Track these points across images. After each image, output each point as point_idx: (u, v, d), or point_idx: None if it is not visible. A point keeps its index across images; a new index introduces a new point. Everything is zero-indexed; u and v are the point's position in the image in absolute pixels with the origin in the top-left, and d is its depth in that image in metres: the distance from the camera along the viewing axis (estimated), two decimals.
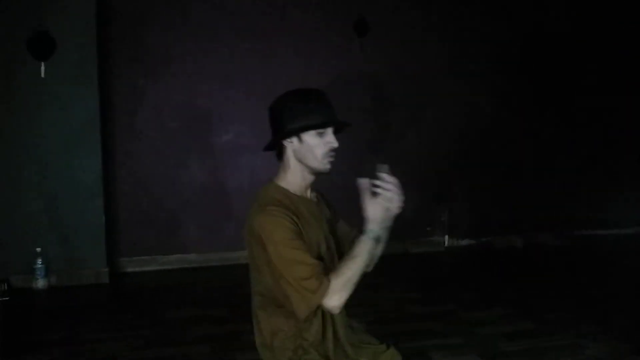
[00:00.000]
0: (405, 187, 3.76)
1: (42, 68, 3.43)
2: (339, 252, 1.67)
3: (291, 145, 1.61)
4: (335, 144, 1.60)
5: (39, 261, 3.45)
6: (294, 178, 1.64)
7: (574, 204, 4.77)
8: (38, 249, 3.46)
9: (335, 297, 1.46)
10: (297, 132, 1.58)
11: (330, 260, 1.61)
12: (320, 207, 1.71)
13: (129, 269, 3.81)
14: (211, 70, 3.87)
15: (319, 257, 1.56)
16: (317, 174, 1.62)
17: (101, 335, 2.68)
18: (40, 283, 3.47)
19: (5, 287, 3.42)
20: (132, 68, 3.76)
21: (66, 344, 2.58)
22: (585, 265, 4.14)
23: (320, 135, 1.59)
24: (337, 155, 1.63)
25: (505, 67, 4.51)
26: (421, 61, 4.32)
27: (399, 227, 3.57)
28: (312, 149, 1.59)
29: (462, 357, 2.39)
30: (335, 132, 1.61)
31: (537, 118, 4.62)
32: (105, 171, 3.65)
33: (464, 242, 4.53)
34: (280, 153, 1.65)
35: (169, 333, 2.72)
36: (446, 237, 4.52)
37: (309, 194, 1.69)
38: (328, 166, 1.61)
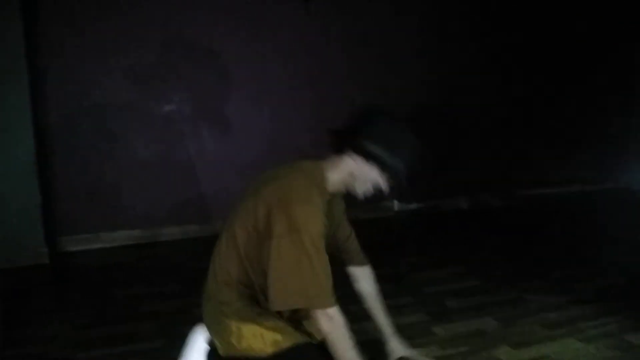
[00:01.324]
0: None
1: None
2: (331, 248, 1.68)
3: (358, 160, 1.58)
4: (386, 190, 1.62)
5: None
6: (336, 180, 1.62)
7: (517, 165, 4.92)
8: None
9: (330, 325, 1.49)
10: (379, 162, 1.56)
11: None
12: (339, 207, 1.79)
13: (72, 248, 3.65)
14: (148, 37, 3.68)
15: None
16: (349, 192, 1.65)
17: (42, 317, 2.56)
18: None
19: None
20: (60, 37, 3.52)
21: (3, 328, 2.45)
22: (528, 224, 4.30)
23: (382, 179, 1.59)
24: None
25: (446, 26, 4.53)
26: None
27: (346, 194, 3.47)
28: (369, 179, 1.59)
29: (411, 316, 2.43)
30: None
31: (481, 80, 4.69)
32: (38, 147, 3.45)
33: (413, 205, 4.60)
34: (340, 150, 1.61)
35: (115, 311, 2.63)
36: (395, 201, 4.57)
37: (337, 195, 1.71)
38: (361, 194, 1.64)
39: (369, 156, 1.57)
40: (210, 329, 1.67)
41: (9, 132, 3.32)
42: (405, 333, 2.21)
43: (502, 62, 4.75)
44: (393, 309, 2.48)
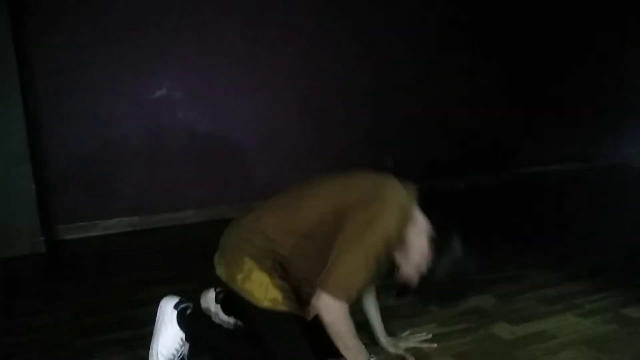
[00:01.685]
0: (352, 135, 3.77)
1: None
2: None
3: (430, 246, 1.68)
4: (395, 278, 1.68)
5: None
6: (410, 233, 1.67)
7: (513, 144, 4.93)
8: None
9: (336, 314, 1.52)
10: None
11: None
12: None
13: (68, 237, 3.64)
14: (138, 22, 3.63)
15: None
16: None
17: (40, 306, 2.55)
18: None
19: None
20: (50, 23, 3.46)
21: (3, 318, 2.45)
22: (525, 202, 4.31)
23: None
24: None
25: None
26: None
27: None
28: (425, 258, 1.64)
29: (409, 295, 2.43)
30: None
31: (475, 58, 4.66)
32: (30, 136, 3.41)
33: None
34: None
35: (114, 298, 2.62)
36: None
37: None
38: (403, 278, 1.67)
39: (438, 250, 1.65)
40: (222, 253, 1.70)
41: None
42: (404, 312, 2.23)
43: (496, 41, 4.72)
44: (390, 288, 2.50)
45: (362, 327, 2.11)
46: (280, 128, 4.12)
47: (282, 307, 1.58)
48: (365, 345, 1.96)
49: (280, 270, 1.62)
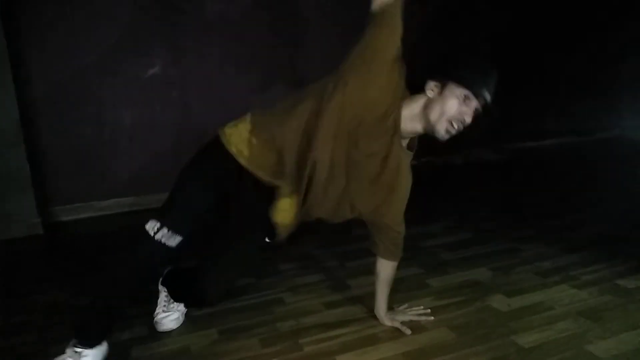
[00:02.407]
0: None
1: None
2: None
3: (431, 92, 1.57)
4: (467, 119, 1.56)
5: None
6: (410, 118, 1.61)
7: (510, 118, 4.89)
8: None
9: None
10: (449, 77, 1.55)
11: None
12: (399, 158, 1.69)
13: (64, 218, 3.64)
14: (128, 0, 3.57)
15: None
16: (429, 133, 1.59)
17: (39, 286, 2.56)
18: None
19: None
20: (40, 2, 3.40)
21: (5, 298, 2.46)
22: (521, 176, 4.32)
23: (461, 100, 1.54)
24: None
25: None
26: None
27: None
28: (444, 104, 1.54)
29: (405, 269, 2.44)
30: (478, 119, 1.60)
31: (476, 30, 4.60)
32: (23, 117, 3.38)
33: None
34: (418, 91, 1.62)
35: None
36: None
37: (404, 142, 1.69)
38: (443, 132, 1.56)
39: (447, 75, 1.56)
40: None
41: None
42: (400, 286, 2.24)
43: (494, 15, 4.66)
44: None
45: (359, 300, 2.13)
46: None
47: (242, 161, 1.62)
48: (362, 318, 1.99)
49: (271, 140, 1.62)
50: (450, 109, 1.54)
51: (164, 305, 2.02)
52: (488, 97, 1.56)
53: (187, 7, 3.68)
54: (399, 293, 2.18)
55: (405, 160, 1.73)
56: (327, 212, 1.73)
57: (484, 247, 2.71)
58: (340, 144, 1.57)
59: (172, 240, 1.61)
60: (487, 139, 4.88)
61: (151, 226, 1.60)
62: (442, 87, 1.57)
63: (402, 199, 1.83)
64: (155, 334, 1.97)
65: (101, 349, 1.67)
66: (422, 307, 2.05)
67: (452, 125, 1.56)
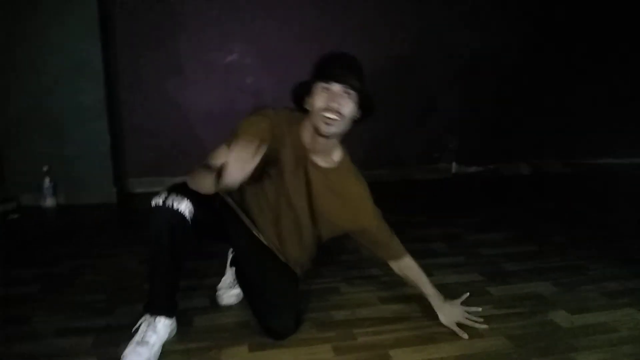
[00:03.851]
0: (413, 113, 3.67)
1: None
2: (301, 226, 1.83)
3: (306, 102, 1.68)
4: (336, 105, 1.62)
5: (47, 180, 3.47)
6: (306, 132, 1.72)
7: (583, 132, 4.69)
8: (45, 168, 3.47)
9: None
10: (307, 83, 1.66)
11: (274, 210, 1.81)
12: (323, 176, 1.78)
13: (138, 190, 3.83)
14: None
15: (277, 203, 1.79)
16: (320, 135, 1.67)
17: (111, 250, 2.73)
18: (49, 202, 3.51)
19: (15, 206, 3.48)
20: None
21: (76, 258, 2.64)
22: (591, 193, 4.14)
23: (322, 92, 1.63)
24: None
25: None
26: None
27: (405, 153, 3.54)
28: (312, 104, 1.65)
29: (463, 275, 2.42)
30: (365, 115, 1.72)
31: (546, 44, 4.45)
32: (108, 92, 3.58)
33: (472, 169, 4.51)
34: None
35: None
36: (454, 163, 4.49)
37: (320, 159, 1.77)
38: (323, 127, 1.65)
39: (303, 84, 1.68)
40: None
41: (80, 77, 3.47)
42: (458, 291, 2.21)
43: (560, 25, 4.48)
44: (446, 267, 2.50)
45: (415, 299, 2.12)
46: None
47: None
48: (418, 317, 1.99)
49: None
50: (317, 104, 1.64)
51: (229, 283, 2.10)
52: (345, 74, 1.63)
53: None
54: (458, 297, 2.15)
55: (330, 174, 1.80)
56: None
57: (548, 262, 2.62)
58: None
59: (183, 204, 1.62)
60: (557, 151, 4.70)
61: (157, 198, 1.65)
62: (310, 95, 1.67)
63: (361, 202, 1.88)
64: (216, 307, 2.06)
65: (170, 320, 1.75)
66: (480, 308, 2.01)
67: (327, 117, 1.63)
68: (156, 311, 1.72)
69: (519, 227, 3.16)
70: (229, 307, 2.06)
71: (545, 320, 2.01)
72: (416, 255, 2.61)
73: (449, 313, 1.94)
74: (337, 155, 1.83)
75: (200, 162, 1.70)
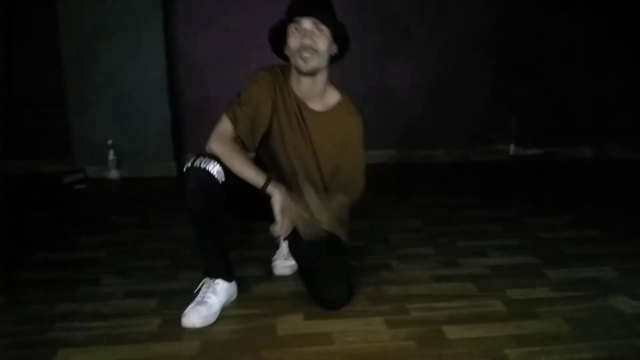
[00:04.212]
0: (471, 94, 3.57)
1: None
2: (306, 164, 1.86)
3: (285, 49, 1.78)
4: (312, 41, 1.68)
5: (111, 153, 3.65)
6: (294, 80, 1.81)
7: None
8: (109, 142, 3.64)
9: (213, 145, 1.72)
10: (280, 28, 1.74)
11: (287, 162, 1.86)
12: (319, 121, 1.84)
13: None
14: None
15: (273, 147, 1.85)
16: (303, 74, 1.75)
17: (170, 221, 2.85)
18: (113, 174, 3.69)
19: (82, 177, 3.67)
20: None
21: (138, 227, 2.78)
22: None
23: (294, 31, 1.70)
24: None
25: None
26: None
27: (461, 134, 3.46)
28: (289, 44, 1.72)
29: (520, 257, 2.37)
30: (342, 49, 1.79)
31: (611, 23, 4.22)
32: (169, 69, 3.70)
33: (531, 151, 4.37)
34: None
35: (235, 221, 2.83)
36: (512, 145, 4.37)
37: (315, 104, 1.83)
38: (301, 65, 1.71)
39: (274, 29, 1.77)
40: None
41: (143, 54, 3.60)
42: (514, 272, 2.19)
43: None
44: (502, 249, 2.46)
45: (469, 278, 2.09)
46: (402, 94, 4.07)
47: None
48: (472, 296, 1.97)
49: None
50: (292, 44, 1.71)
51: (284, 255, 2.15)
52: (312, 8, 1.69)
53: None
54: (515, 278, 2.12)
55: (326, 118, 1.85)
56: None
57: (611, 247, 2.52)
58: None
59: (212, 165, 1.66)
60: (624, 135, 4.47)
61: (187, 162, 1.71)
62: (288, 47, 1.75)
63: (351, 140, 1.90)
64: (271, 277, 2.12)
65: (229, 284, 1.83)
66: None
67: (303, 55, 1.70)
68: (214, 274, 1.79)
69: (580, 212, 3.05)
70: (284, 277, 2.12)
71: (605, 305, 1.95)
72: (470, 236, 2.61)
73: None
74: (333, 97, 1.88)
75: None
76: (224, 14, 3.75)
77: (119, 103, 3.66)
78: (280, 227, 1.69)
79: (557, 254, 2.44)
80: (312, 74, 1.76)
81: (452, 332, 1.72)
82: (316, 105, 1.85)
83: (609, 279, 2.18)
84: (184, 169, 1.70)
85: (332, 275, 1.83)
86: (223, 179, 1.68)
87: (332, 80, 1.91)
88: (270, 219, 1.77)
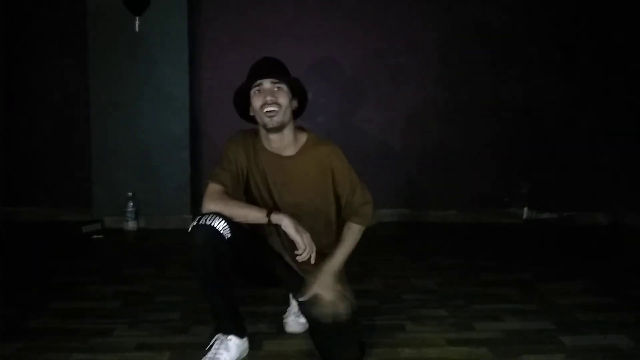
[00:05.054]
0: (485, 158, 3.59)
1: (137, 22, 3.62)
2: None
3: (251, 111, 1.90)
4: (270, 98, 1.84)
5: (130, 204, 3.72)
6: (264, 138, 1.92)
7: None
8: (129, 194, 3.73)
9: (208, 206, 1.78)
10: (243, 94, 1.89)
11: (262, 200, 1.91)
12: (296, 162, 1.91)
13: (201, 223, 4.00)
14: (282, 28, 3.93)
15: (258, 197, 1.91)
16: (270, 131, 1.85)
17: (184, 273, 2.87)
18: (131, 225, 3.76)
19: (100, 227, 3.74)
20: (217, 24, 3.89)
21: (154, 277, 2.81)
22: None
23: (257, 93, 1.85)
24: None
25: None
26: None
27: (475, 197, 3.48)
28: (254, 105, 1.86)
29: (535, 322, 2.33)
30: (302, 103, 1.93)
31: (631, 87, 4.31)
32: (192, 124, 3.84)
33: (544, 215, 4.37)
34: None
35: None
36: (525, 209, 4.37)
37: (286, 150, 1.92)
38: (266, 121, 1.83)
39: (237, 101, 1.94)
40: None
41: (168, 112, 3.76)
42: (530, 338, 2.15)
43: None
44: (517, 314, 2.43)
45: (484, 343, 2.06)
46: (412, 142, 4.16)
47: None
48: None
49: None
50: (256, 104, 1.84)
51: (295, 312, 2.15)
52: (269, 70, 1.85)
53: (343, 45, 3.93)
54: (530, 344, 2.09)
55: (301, 156, 1.93)
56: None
57: (627, 315, 2.48)
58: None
59: (217, 222, 1.69)
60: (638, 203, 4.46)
61: (193, 222, 1.75)
62: (253, 109, 1.88)
63: (332, 161, 1.96)
64: (283, 333, 2.12)
65: (241, 340, 1.83)
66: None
67: (267, 111, 1.82)
68: (226, 330, 1.80)
69: (595, 278, 3.01)
70: (296, 335, 2.10)
71: None
72: (485, 299, 2.58)
73: (322, 281, 1.85)
74: (302, 139, 1.96)
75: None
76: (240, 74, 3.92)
77: (141, 156, 3.77)
78: (303, 244, 1.73)
79: (573, 320, 2.40)
80: (278, 129, 1.85)
81: None
82: (289, 152, 1.93)
83: (626, 347, 2.13)
84: (190, 229, 1.73)
85: (343, 336, 1.82)
86: (229, 235, 1.71)
87: (301, 125, 2.00)
88: (275, 283, 1.90)
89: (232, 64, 3.89)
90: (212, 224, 1.69)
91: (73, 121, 3.95)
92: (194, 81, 3.88)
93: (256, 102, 1.84)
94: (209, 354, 1.76)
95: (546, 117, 4.27)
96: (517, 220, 4.37)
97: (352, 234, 1.95)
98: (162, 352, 1.93)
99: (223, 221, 1.70)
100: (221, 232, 1.69)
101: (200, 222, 1.70)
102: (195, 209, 3.92)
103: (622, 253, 3.69)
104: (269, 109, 1.81)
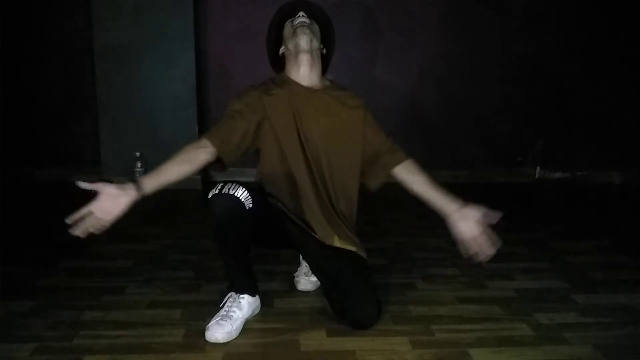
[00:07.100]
0: (497, 114, 3.50)
1: None
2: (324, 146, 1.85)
3: (285, 50, 1.88)
4: (298, 19, 1.81)
5: (139, 164, 3.70)
6: (291, 71, 1.88)
7: None
8: (137, 154, 3.70)
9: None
10: (277, 32, 1.90)
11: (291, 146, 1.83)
12: (322, 95, 1.87)
13: (220, 179, 3.97)
14: None
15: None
16: (302, 51, 1.80)
17: (195, 232, 2.88)
18: None
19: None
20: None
21: (164, 237, 2.81)
22: None
23: (292, 29, 1.82)
24: None
25: None
26: None
27: (486, 155, 3.38)
28: (285, 36, 1.85)
29: (548, 281, 2.32)
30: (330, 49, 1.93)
31: None
32: (198, 83, 3.77)
33: (557, 174, 4.31)
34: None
35: None
36: (538, 168, 4.31)
37: (313, 81, 1.87)
38: (301, 37, 1.79)
39: (270, 37, 1.96)
40: None
41: (174, 68, 3.69)
42: (542, 297, 2.14)
43: None
44: (529, 273, 2.41)
45: (496, 301, 2.05)
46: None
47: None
48: (500, 318, 1.93)
49: None
50: (288, 34, 1.84)
51: (305, 272, 2.14)
52: (304, 3, 1.86)
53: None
54: (542, 302, 2.08)
55: (321, 93, 1.88)
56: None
57: (637, 272, 2.46)
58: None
59: (239, 190, 1.67)
60: None
61: (214, 189, 1.72)
62: (285, 41, 1.86)
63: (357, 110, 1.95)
64: (294, 291, 2.12)
65: (253, 298, 1.83)
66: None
67: (301, 32, 1.79)
68: (240, 289, 1.80)
69: (609, 237, 2.98)
70: (307, 293, 2.11)
71: (638, 333, 1.89)
72: (496, 258, 2.55)
73: (467, 228, 1.85)
74: (328, 84, 1.95)
75: None
76: (254, 31, 3.81)
77: (148, 115, 3.73)
78: None
79: (586, 279, 2.38)
80: (310, 51, 1.81)
81: (479, 355, 1.68)
82: (317, 86, 1.89)
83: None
84: (210, 196, 1.71)
85: (360, 293, 1.80)
86: (250, 205, 1.69)
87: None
88: (290, 246, 1.87)
89: (240, 23, 3.81)
90: (235, 194, 1.66)
91: (79, 83, 3.90)
92: (200, 35, 3.79)
93: (288, 32, 1.83)
94: (222, 311, 1.76)
95: (562, 74, 4.16)
96: (529, 179, 4.32)
97: (418, 167, 1.98)
98: (174, 309, 1.93)
99: (245, 191, 1.68)
100: (243, 201, 1.67)
101: (223, 190, 1.68)
102: (204, 168, 3.90)
103: (636, 212, 3.64)
104: (302, 31, 1.78)
